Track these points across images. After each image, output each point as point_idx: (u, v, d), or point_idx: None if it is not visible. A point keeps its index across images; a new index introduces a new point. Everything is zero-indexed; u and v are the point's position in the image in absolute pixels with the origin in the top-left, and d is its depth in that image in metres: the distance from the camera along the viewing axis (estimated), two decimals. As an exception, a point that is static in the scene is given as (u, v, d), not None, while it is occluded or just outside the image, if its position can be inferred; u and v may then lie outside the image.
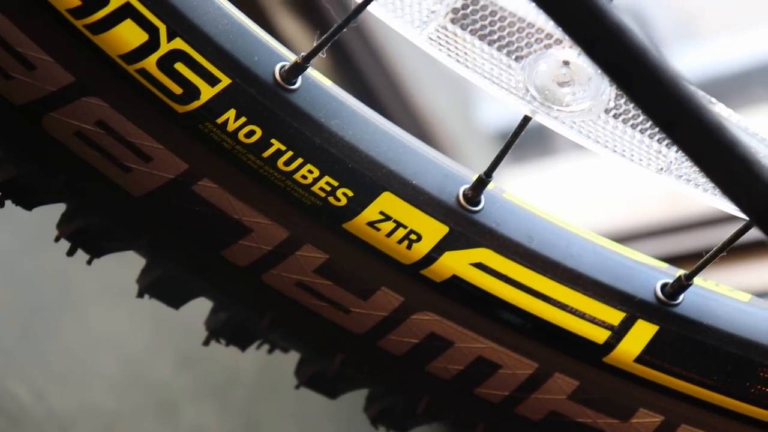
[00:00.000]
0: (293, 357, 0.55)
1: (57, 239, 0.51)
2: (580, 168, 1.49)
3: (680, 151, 0.45)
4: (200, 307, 0.54)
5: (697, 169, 0.36)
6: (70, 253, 0.52)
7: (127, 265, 0.55)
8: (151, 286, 0.52)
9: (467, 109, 1.54)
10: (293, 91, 0.47)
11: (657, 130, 0.47)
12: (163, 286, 0.52)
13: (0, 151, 0.49)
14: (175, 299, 0.53)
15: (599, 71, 0.44)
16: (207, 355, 0.98)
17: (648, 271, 0.50)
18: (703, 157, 0.35)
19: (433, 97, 1.36)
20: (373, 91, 1.20)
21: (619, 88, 0.37)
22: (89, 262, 0.53)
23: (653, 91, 0.34)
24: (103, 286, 0.96)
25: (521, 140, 0.47)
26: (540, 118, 0.47)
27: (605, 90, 0.47)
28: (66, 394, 0.89)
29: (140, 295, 0.53)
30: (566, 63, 0.47)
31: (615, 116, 0.48)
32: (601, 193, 1.47)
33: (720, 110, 0.45)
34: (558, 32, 0.47)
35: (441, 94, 1.45)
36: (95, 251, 0.52)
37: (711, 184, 0.43)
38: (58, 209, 0.52)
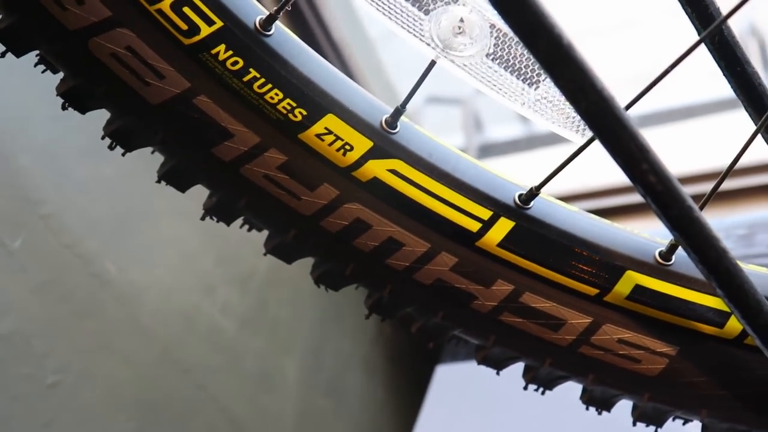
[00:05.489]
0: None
1: (102, 137, 0.52)
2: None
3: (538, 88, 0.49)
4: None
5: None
6: (111, 147, 0.53)
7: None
8: (165, 174, 0.54)
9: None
10: (269, 35, 0.50)
11: (525, 71, 0.50)
12: (174, 174, 0.54)
13: (60, 67, 0.50)
14: (182, 185, 0.55)
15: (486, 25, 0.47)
16: (236, 255, 1.05)
17: (509, 184, 0.53)
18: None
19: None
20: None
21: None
22: (123, 155, 0.54)
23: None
24: (172, 206, 1.04)
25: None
26: (442, 61, 0.50)
27: (487, 40, 0.50)
28: (140, 271, 0.98)
29: (158, 180, 0.54)
30: (462, 19, 0.49)
31: (493, 60, 0.50)
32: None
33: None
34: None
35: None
36: (128, 146, 0.53)
37: (551, 113, 0.46)
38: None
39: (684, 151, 1.48)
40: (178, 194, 0.58)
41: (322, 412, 1.24)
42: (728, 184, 1.24)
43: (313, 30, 1.38)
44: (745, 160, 1.26)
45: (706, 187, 1.28)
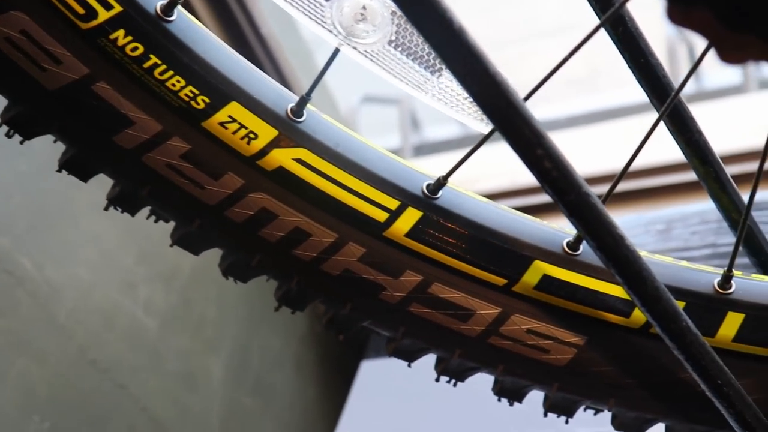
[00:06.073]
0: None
1: (-1, 125, 0.51)
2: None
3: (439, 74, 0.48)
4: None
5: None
6: (9, 135, 0.51)
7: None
8: (66, 163, 0.52)
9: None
10: (170, 21, 0.49)
11: (427, 59, 0.49)
12: (74, 163, 0.53)
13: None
14: (83, 174, 0.53)
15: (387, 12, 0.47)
16: (159, 252, 1.03)
17: (418, 174, 0.53)
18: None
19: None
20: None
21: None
22: (21, 143, 0.53)
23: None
24: (91, 202, 1.00)
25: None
26: (345, 49, 0.50)
27: (389, 27, 0.50)
28: (58, 268, 0.96)
29: (59, 170, 0.53)
30: (364, 6, 0.49)
31: (395, 47, 0.50)
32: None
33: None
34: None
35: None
36: (26, 134, 0.52)
37: (456, 102, 0.46)
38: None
39: (608, 150, 1.50)
40: (97, 189, 0.56)
41: (249, 411, 1.23)
42: (648, 182, 1.27)
43: (240, 25, 1.36)
44: (663, 159, 1.29)
45: (630, 184, 1.31)
